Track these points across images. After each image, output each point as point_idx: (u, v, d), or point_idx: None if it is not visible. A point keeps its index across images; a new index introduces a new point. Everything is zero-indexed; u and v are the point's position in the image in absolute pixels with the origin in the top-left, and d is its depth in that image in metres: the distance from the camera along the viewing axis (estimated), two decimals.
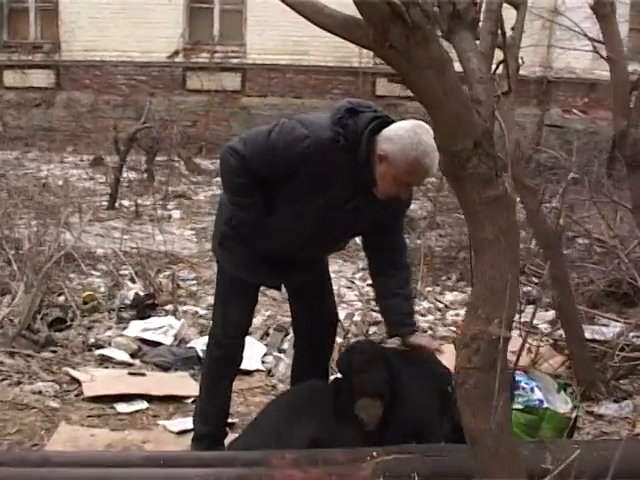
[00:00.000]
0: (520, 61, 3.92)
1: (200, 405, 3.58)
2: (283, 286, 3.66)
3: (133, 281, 6.30)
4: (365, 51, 14.29)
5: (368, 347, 3.83)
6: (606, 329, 5.29)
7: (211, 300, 6.10)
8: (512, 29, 3.98)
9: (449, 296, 6.61)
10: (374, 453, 2.69)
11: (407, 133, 2.96)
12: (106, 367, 4.66)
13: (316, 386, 3.51)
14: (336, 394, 3.36)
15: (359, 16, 2.09)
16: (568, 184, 6.65)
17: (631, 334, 5.02)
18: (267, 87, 15.26)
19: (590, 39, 10.50)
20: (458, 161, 2.21)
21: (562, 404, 3.30)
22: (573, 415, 3.28)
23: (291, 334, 5.28)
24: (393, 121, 3.07)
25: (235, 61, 15.20)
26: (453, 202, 9.27)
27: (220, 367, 3.51)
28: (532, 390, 3.30)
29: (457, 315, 6.08)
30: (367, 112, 3.06)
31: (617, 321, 5.08)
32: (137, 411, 4.01)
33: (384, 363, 3.33)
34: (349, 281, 6.96)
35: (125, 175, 10.58)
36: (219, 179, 12.80)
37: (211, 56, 15.07)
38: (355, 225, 3.29)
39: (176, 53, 15.07)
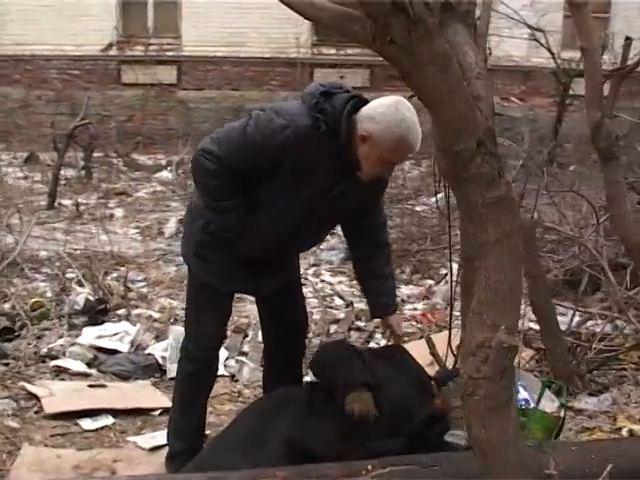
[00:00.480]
0: (488, 51, 3.85)
1: (174, 420, 3.41)
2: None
3: (81, 284, 6.05)
4: (302, 41, 14.20)
5: (338, 345, 3.78)
6: (562, 318, 5.29)
7: (163, 302, 5.97)
8: (478, 19, 3.91)
9: (405, 290, 6.51)
10: (369, 466, 2.58)
11: (389, 110, 2.87)
12: (62, 379, 4.43)
13: (288, 391, 3.39)
14: (310, 394, 3.26)
15: (355, 9, 1.98)
16: (520, 172, 6.65)
17: (590, 322, 5.03)
18: (204, 80, 15.01)
19: (529, 27, 10.56)
20: (460, 161, 2.12)
21: (548, 403, 3.24)
22: (561, 414, 3.22)
23: (250, 336, 5.15)
24: (367, 100, 2.98)
25: (171, 54, 14.92)
26: (401, 193, 9.23)
27: (193, 382, 3.35)
28: (517, 390, 3.21)
29: (415, 309, 6.02)
30: (340, 93, 2.95)
31: (584, 311, 5.06)
32: (103, 427, 3.81)
33: (358, 357, 3.28)
34: (302, 277, 6.82)
35: (62, 173, 10.25)
36: (158, 175, 12.50)
37: (146, 49, 14.76)
38: (340, 211, 3.17)
39: (110, 46, 14.68)
